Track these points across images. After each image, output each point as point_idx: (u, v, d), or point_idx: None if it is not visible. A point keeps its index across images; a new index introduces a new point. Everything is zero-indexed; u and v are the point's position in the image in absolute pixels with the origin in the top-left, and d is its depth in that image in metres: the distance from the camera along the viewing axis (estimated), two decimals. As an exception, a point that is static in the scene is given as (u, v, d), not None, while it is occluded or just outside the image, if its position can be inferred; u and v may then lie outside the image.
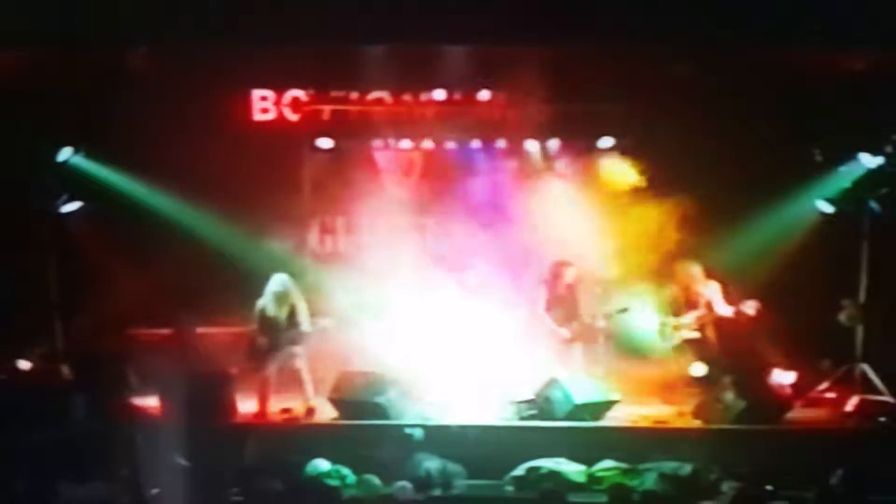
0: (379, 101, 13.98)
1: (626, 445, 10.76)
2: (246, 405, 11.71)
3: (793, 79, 12.79)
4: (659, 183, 13.18)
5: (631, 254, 12.89)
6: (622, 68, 12.86)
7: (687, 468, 10.26)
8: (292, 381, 12.04)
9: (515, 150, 14.05)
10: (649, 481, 10.19)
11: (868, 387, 12.02)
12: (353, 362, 12.01)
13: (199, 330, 13.09)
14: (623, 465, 10.46)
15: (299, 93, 13.91)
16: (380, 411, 11.17)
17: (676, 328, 12.49)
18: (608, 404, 11.57)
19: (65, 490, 9.61)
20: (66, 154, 12.92)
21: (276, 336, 11.84)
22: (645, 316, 12.70)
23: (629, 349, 12.86)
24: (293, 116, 13.96)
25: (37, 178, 12.80)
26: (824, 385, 12.31)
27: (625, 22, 11.50)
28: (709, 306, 12.40)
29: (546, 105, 13.60)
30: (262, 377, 11.83)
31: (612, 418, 11.53)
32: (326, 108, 14.00)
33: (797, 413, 11.62)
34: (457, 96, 13.80)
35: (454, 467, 10.46)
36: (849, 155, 12.72)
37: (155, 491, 9.49)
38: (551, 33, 11.90)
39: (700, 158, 13.02)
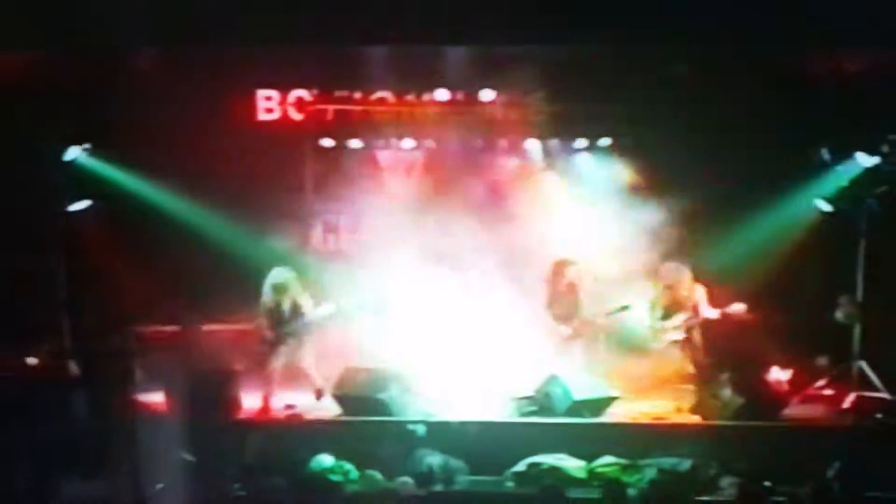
0: (381, 101, 13.95)
1: (626, 441, 10.74)
2: (251, 401, 11.67)
3: (790, 79, 12.75)
4: (658, 182, 13.16)
5: (630, 252, 12.86)
6: (622, 68, 12.83)
7: (686, 464, 10.26)
8: (296, 377, 12.02)
9: (516, 150, 14.01)
10: (648, 477, 10.18)
11: (865, 384, 11.97)
12: (357, 359, 11.96)
13: (204, 327, 13.06)
14: (623, 461, 10.45)
15: (303, 93, 13.87)
16: (382, 408, 11.15)
17: (663, 331, 12.43)
18: (608, 401, 11.54)
19: (70, 486, 9.59)
20: (73, 153, 12.90)
21: (280, 328, 11.80)
22: (644, 314, 12.64)
23: (629, 346, 12.81)
24: (297, 116, 13.92)
25: (44, 177, 12.78)
26: (822, 382, 12.27)
27: (624, 23, 11.45)
28: (695, 310, 12.34)
29: (546, 105, 13.57)
30: (268, 371, 11.81)
31: (612, 414, 11.50)
32: (330, 108, 13.97)
33: (795, 410, 11.58)
34: (458, 96, 13.75)
35: (456, 463, 10.45)
36: (846, 154, 12.68)
37: (160, 486, 9.46)
38: (551, 34, 11.87)
39: (698, 158, 13.00)
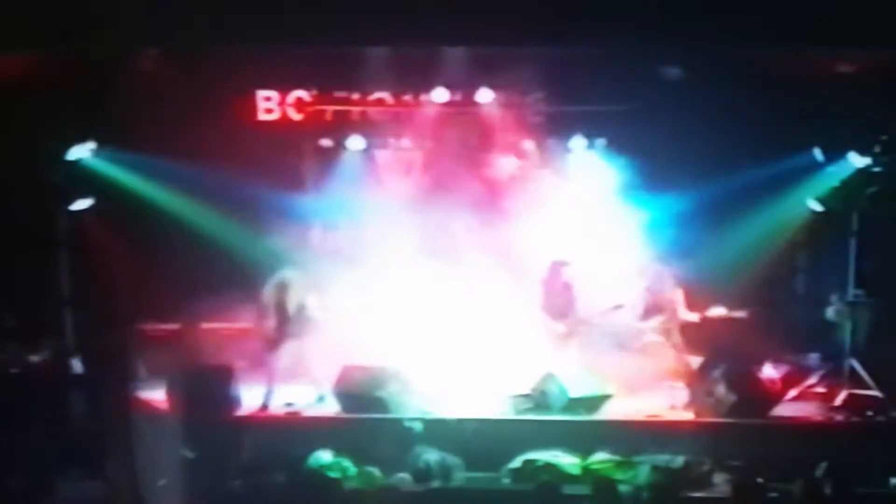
0: (380, 102, 13.93)
1: (620, 438, 10.75)
2: (251, 398, 11.66)
3: (783, 80, 12.71)
4: (652, 182, 13.13)
5: (624, 252, 12.85)
6: (618, 70, 12.79)
7: (679, 460, 10.28)
8: (296, 375, 12.01)
9: (513, 150, 13.98)
10: (642, 473, 10.17)
11: (856, 381, 11.97)
12: (355, 357, 11.94)
13: (204, 325, 13.04)
14: (617, 458, 10.46)
15: (303, 93, 13.85)
16: (380, 405, 11.15)
17: (641, 331, 12.43)
18: (603, 398, 11.55)
19: (71, 484, 9.57)
20: (76, 153, 12.88)
21: (285, 326, 11.82)
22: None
23: (623, 345, 12.80)
24: (297, 116, 13.90)
25: (48, 176, 12.77)
26: (813, 380, 12.26)
27: (620, 25, 11.43)
28: (672, 312, 12.34)
29: (543, 105, 13.54)
30: (270, 368, 11.80)
31: (607, 412, 11.49)
32: (329, 109, 13.95)
33: (787, 407, 11.58)
34: (456, 97, 13.72)
35: (453, 460, 10.45)
36: (838, 155, 12.67)
37: (162, 482, 9.44)
38: (549, 36, 11.84)
39: (693, 158, 12.97)
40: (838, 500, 9.08)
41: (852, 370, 12.10)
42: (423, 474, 10.15)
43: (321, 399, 11.78)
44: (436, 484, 10.10)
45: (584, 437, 10.78)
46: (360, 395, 11.32)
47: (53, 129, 12.59)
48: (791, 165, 12.87)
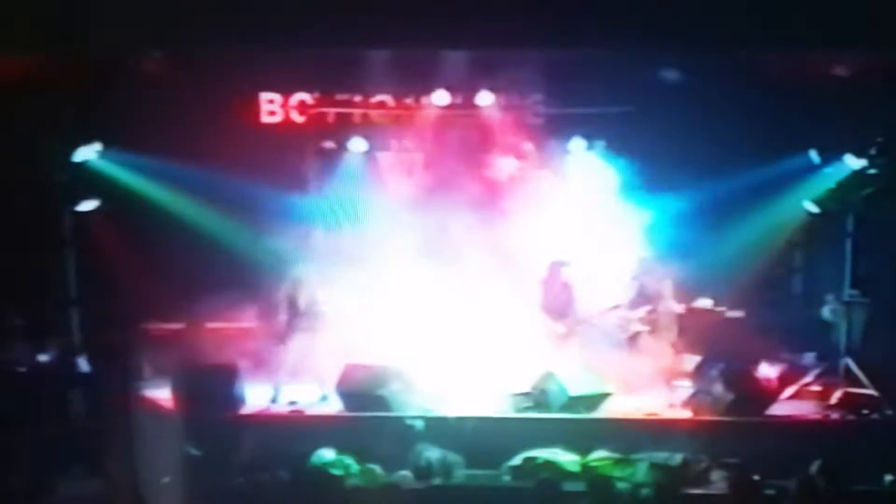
0: (381, 104, 13.95)
1: (619, 436, 10.78)
2: (255, 397, 11.68)
3: (779, 83, 12.73)
4: (650, 183, 13.15)
5: (623, 252, 12.88)
6: (618, 73, 12.82)
7: (677, 458, 10.30)
8: (302, 372, 12.05)
9: (513, 151, 13.99)
10: (641, 471, 10.19)
11: (851, 380, 12.00)
12: (358, 356, 11.96)
13: (208, 325, 13.07)
14: (616, 455, 10.47)
15: (305, 96, 13.87)
16: (382, 403, 11.17)
17: (627, 322, 12.47)
18: (602, 397, 11.56)
19: (75, 482, 9.57)
20: (82, 155, 12.90)
21: (296, 321, 11.89)
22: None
23: (611, 336, 12.81)
24: (299, 119, 13.92)
25: (55, 178, 12.79)
26: (809, 378, 12.28)
27: (618, 28, 11.45)
28: (660, 301, 12.39)
29: (543, 108, 13.55)
30: (279, 364, 11.83)
31: (606, 410, 11.51)
32: (331, 111, 13.97)
33: (783, 405, 11.60)
34: (457, 99, 13.74)
35: (454, 457, 10.47)
36: (834, 157, 12.69)
37: (166, 480, 9.46)
38: (549, 39, 11.86)
39: (691, 159, 12.99)
40: (833, 497, 9.11)
41: (848, 369, 12.14)
42: (424, 472, 10.17)
43: (324, 398, 11.80)
44: (437, 481, 10.12)
45: (583, 434, 10.80)
46: (362, 393, 11.33)
47: (59, 131, 12.62)
48: (787, 167, 12.89)
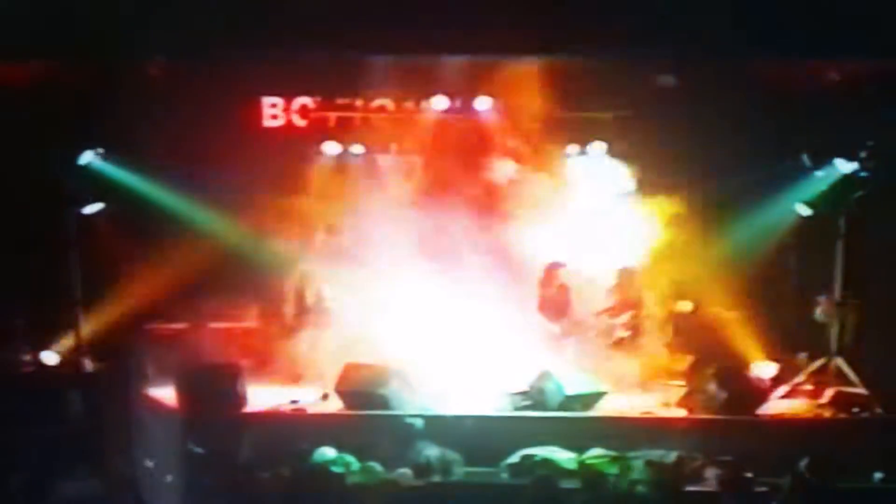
0: (381, 109, 13.98)
1: (615, 434, 10.78)
2: (259, 395, 11.73)
3: (773, 89, 12.79)
4: (647, 186, 13.19)
5: (618, 254, 12.93)
6: (613, 78, 12.87)
7: (672, 456, 10.29)
8: (305, 369, 12.06)
9: (511, 155, 14.01)
10: (636, 468, 10.22)
11: (842, 379, 12.04)
12: (358, 355, 11.99)
13: (211, 325, 13.11)
14: (612, 453, 10.47)
15: (307, 100, 13.90)
16: (383, 402, 11.19)
17: (611, 328, 12.51)
18: (597, 395, 11.60)
19: (79, 482, 9.57)
20: (87, 158, 12.93)
21: (303, 316, 11.93)
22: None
23: (617, 344, 12.86)
24: (301, 122, 13.95)
25: (61, 180, 12.81)
26: (802, 378, 12.32)
27: (616, 35, 11.50)
28: (640, 306, 12.44)
29: (541, 112, 13.59)
30: (284, 360, 11.88)
31: (602, 409, 11.55)
32: (332, 115, 14.01)
33: (776, 404, 11.64)
34: (455, 104, 13.78)
35: (452, 455, 10.46)
36: (826, 160, 12.74)
37: (170, 478, 9.49)
38: (546, 45, 11.91)
39: (686, 163, 13.04)
40: (823, 494, 9.15)
41: (838, 368, 12.19)
42: (423, 469, 10.17)
43: (325, 397, 11.83)
44: (436, 478, 10.13)
45: (579, 433, 10.82)
46: (362, 392, 11.35)
47: (65, 135, 12.65)
48: (780, 170, 12.93)
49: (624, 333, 12.49)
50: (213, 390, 11.15)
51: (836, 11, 11.27)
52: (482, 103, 13.68)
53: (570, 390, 11.38)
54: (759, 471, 9.80)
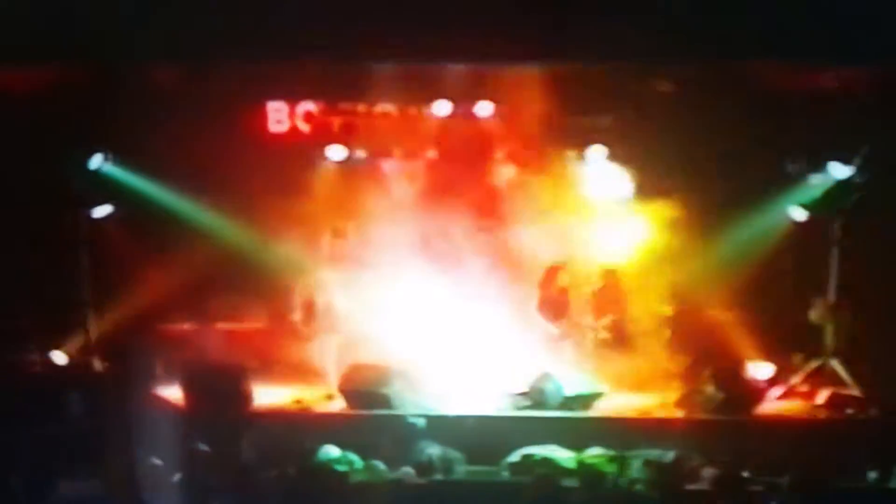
0: (385, 114, 13.99)
1: (614, 434, 10.79)
2: (265, 394, 11.72)
3: (770, 93, 12.78)
4: (645, 190, 13.19)
5: (618, 257, 12.93)
6: (611, 84, 12.87)
7: (670, 455, 10.28)
8: (309, 372, 12.06)
9: (513, 159, 14.03)
10: (635, 467, 10.22)
11: (837, 381, 12.04)
12: (362, 356, 12.00)
13: (218, 326, 13.12)
14: (610, 452, 10.48)
15: (311, 105, 13.91)
16: (386, 402, 11.20)
17: (593, 330, 12.51)
18: (596, 396, 11.62)
19: (86, 482, 9.57)
20: (97, 162, 12.94)
21: (314, 322, 11.98)
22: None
23: (615, 345, 12.86)
24: (305, 127, 13.95)
25: (71, 184, 12.83)
26: (797, 379, 12.32)
27: (613, 42, 11.51)
28: (622, 308, 12.45)
29: (541, 117, 13.59)
30: (295, 358, 11.89)
31: (600, 409, 11.55)
32: (336, 120, 14.01)
33: (772, 405, 11.64)
34: (457, 109, 13.78)
35: (454, 454, 10.47)
36: (820, 166, 12.74)
37: (177, 476, 9.49)
38: (546, 52, 11.91)
39: (684, 167, 13.03)
40: (819, 493, 9.15)
41: (833, 370, 12.18)
42: (426, 468, 10.16)
43: (330, 396, 11.84)
44: (438, 477, 10.13)
45: (579, 432, 10.83)
46: (366, 392, 11.36)
47: (75, 140, 12.66)
48: (777, 174, 12.93)
49: (605, 335, 12.47)
50: (219, 390, 11.15)
51: (833, 15, 11.26)
52: (483, 108, 13.68)
53: (570, 391, 11.41)
54: (755, 470, 9.78)
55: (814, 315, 12.68)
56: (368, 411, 11.23)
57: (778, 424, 11.21)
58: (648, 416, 11.40)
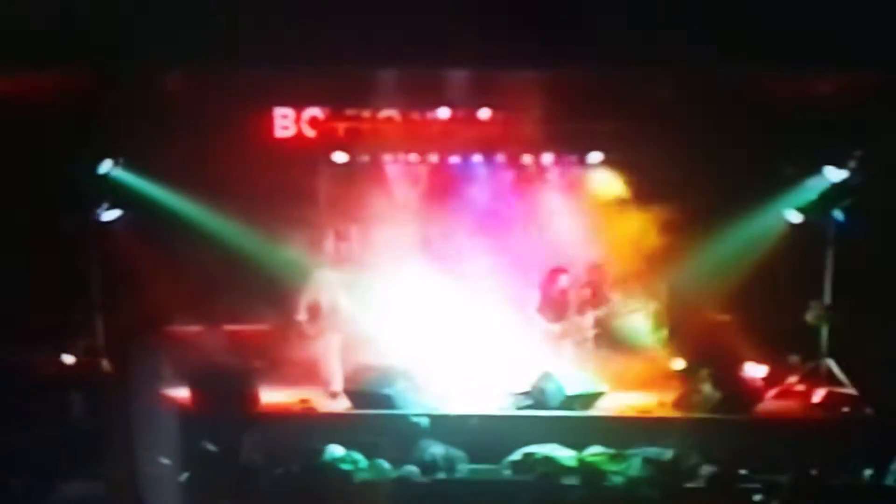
0: (389, 119, 13.98)
1: (613, 433, 10.78)
2: (271, 395, 11.69)
3: (765, 99, 12.76)
4: (643, 194, 13.17)
5: (617, 259, 12.91)
6: (610, 90, 12.85)
7: (668, 454, 10.27)
8: (318, 371, 12.05)
9: (513, 164, 14.02)
10: (634, 465, 10.20)
11: (833, 380, 12.02)
12: (366, 356, 11.98)
13: (225, 328, 13.11)
14: (610, 451, 10.48)
15: (317, 111, 13.90)
16: (389, 402, 11.19)
17: (579, 327, 12.49)
18: (597, 395, 11.61)
19: (93, 482, 9.55)
20: (106, 167, 12.95)
21: (319, 323, 11.97)
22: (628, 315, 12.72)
23: (615, 345, 12.83)
24: (311, 133, 13.95)
25: (81, 188, 12.83)
26: (793, 379, 12.30)
27: (612, 49, 11.49)
28: (607, 306, 12.44)
29: (541, 122, 13.58)
30: (301, 358, 11.87)
31: (601, 408, 11.53)
32: (341, 126, 14.01)
33: (769, 404, 11.62)
34: (460, 114, 13.78)
35: (457, 453, 10.46)
36: (815, 169, 12.72)
37: (185, 476, 9.47)
38: (546, 58, 11.90)
39: (681, 172, 13.01)
40: (815, 490, 9.12)
41: (829, 370, 12.16)
42: (429, 466, 10.15)
43: (334, 396, 11.82)
44: (441, 475, 10.12)
45: (579, 431, 10.81)
46: (369, 392, 11.35)
47: (84, 144, 12.66)
48: (773, 178, 12.91)
49: (591, 332, 12.46)
50: (225, 390, 11.13)
51: (829, 20, 11.24)
52: (485, 113, 13.66)
53: (571, 390, 11.39)
54: (752, 468, 9.74)
55: (810, 316, 12.66)
56: (372, 411, 11.20)
57: (775, 423, 11.18)
58: (648, 415, 11.36)
